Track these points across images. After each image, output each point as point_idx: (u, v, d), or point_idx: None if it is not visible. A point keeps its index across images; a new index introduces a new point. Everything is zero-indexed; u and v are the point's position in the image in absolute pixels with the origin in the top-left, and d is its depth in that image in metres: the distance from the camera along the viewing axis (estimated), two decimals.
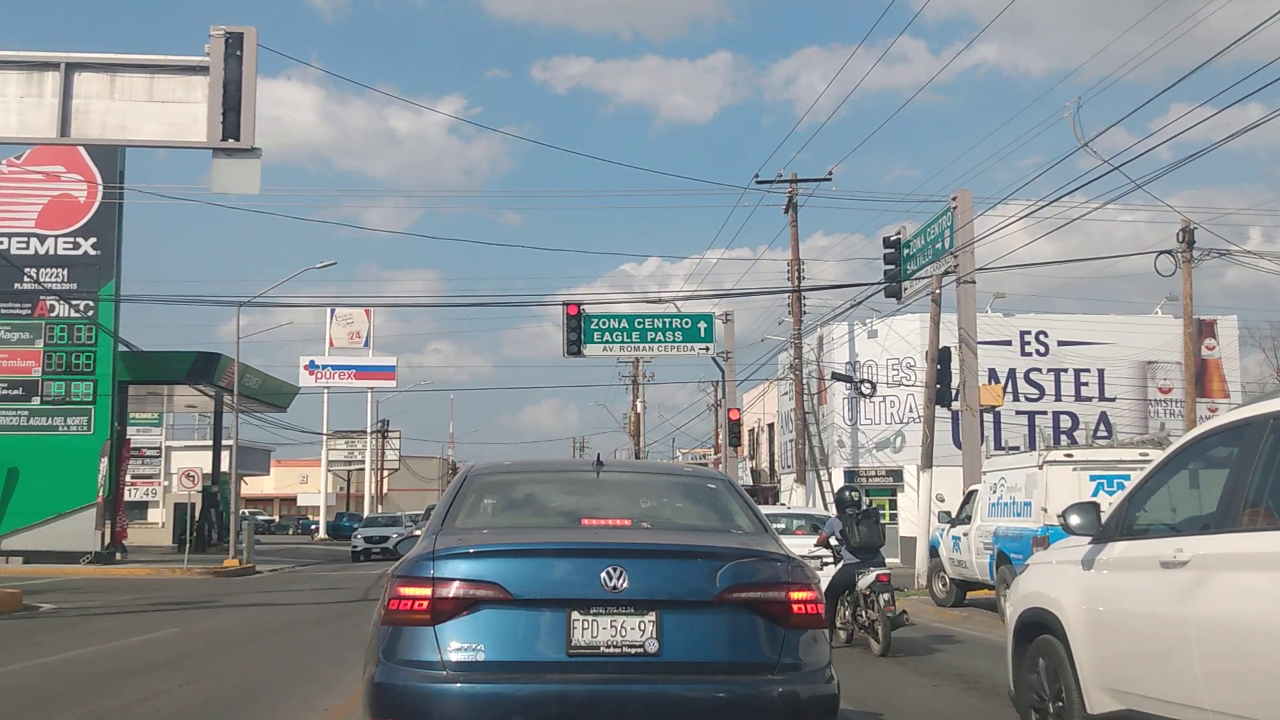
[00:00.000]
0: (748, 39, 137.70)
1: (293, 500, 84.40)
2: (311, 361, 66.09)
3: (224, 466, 41.42)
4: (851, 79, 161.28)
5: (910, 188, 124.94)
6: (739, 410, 39.98)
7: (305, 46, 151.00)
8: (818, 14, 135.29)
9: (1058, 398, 35.90)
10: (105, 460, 31.26)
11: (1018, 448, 26.56)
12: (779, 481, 43.48)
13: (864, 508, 12.57)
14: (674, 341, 34.84)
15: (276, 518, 79.28)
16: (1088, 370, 35.94)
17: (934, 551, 19.44)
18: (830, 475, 34.53)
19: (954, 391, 22.43)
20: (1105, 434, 32.39)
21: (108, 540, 31.39)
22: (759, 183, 32.11)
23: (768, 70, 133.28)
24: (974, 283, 21.85)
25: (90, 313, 31.47)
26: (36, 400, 31.64)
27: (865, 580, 11.84)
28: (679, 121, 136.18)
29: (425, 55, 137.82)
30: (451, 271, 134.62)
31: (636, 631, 4.34)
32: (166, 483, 53.25)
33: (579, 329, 32.89)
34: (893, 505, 34.86)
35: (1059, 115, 18.92)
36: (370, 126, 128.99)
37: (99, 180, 32.06)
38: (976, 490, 18.10)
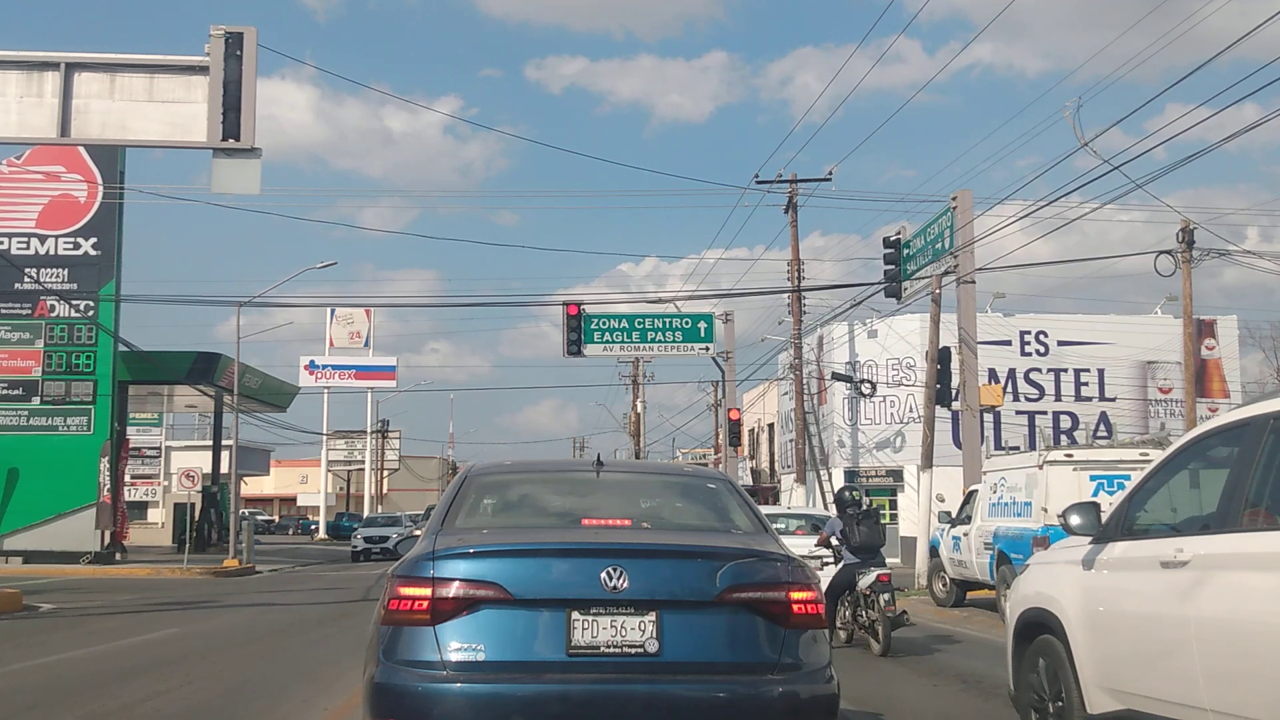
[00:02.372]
0: (742, 39, 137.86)
1: (292, 500, 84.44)
2: (311, 361, 66.08)
3: (224, 466, 41.40)
4: (847, 79, 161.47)
5: (907, 188, 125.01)
6: (739, 410, 39.96)
7: (299, 46, 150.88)
8: (811, 15, 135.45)
9: (1058, 398, 35.90)
10: (105, 460, 31.27)
11: (1018, 448, 26.55)
12: (779, 481, 43.47)
13: (864, 508, 12.57)
14: (674, 341, 34.86)
15: (276, 518, 79.28)
16: (1088, 370, 35.95)
17: (934, 551, 19.44)
18: (830, 475, 34.53)
19: (954, 391, 22.42)
20: (1105, 434, 32.38)
21: (107, 540, 31.41)
22: (759, 183, 32.15)
23: (763, 70, 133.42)
24: (974, 283, 21.83)
25: (90, 313, 31.46)
26: (36, 400, 31.63)
27: (865, 580, 11.85)
28: (675, 121, 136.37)
29: (419, 55, 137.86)
30: (449, 271, 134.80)
31: (636, 631, 4.34)
32: (166, 483, 53.27)
33: (579, 329, 32.91)
34: (893, 505, 34.85)
35: (1056, 116, 18.97)
36: (366, 126, 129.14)
37: (99, 180, 32.04)
38: (977, 490, 18.10)
